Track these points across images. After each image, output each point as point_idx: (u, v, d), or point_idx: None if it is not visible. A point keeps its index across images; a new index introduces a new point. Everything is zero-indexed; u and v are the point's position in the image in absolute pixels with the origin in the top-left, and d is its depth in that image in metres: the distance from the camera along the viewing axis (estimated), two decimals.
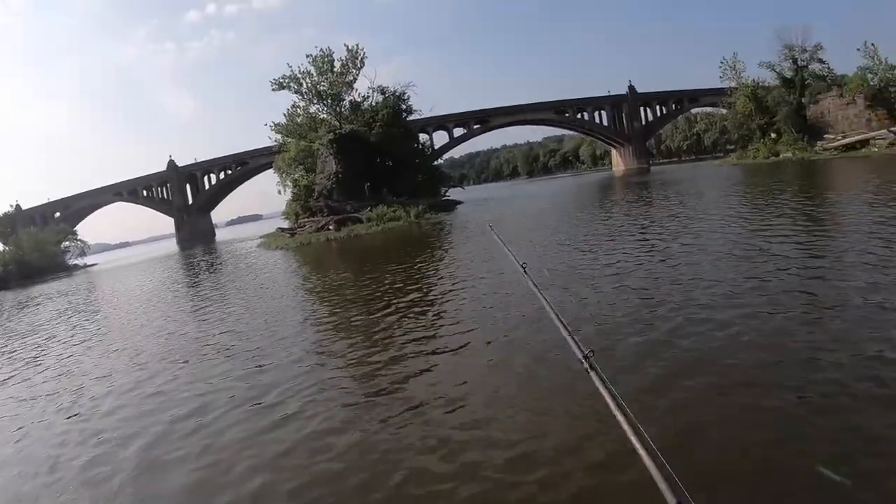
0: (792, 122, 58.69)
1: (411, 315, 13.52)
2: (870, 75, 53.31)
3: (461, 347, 9.89)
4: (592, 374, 2.44)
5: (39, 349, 18.14)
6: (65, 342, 18.55)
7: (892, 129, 45.63)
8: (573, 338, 2.67)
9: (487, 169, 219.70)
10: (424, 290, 16.84)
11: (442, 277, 19.27)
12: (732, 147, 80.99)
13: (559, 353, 7.83)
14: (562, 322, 3.05)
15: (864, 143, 47.36)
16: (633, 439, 1.98)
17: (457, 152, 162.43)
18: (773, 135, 62.19)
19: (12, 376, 14.47)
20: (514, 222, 35.40)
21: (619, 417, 2.15)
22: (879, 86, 52.32)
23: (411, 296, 16.07)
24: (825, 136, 54.04)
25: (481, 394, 7.66)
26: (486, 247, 25.19)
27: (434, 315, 13.46)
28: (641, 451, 1.92)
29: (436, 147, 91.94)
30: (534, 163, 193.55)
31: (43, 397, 11.60)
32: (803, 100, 59.14)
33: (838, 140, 50.85)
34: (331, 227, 49.09)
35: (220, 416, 8.30)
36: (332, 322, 14.53)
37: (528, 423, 6.38)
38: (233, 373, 10.64)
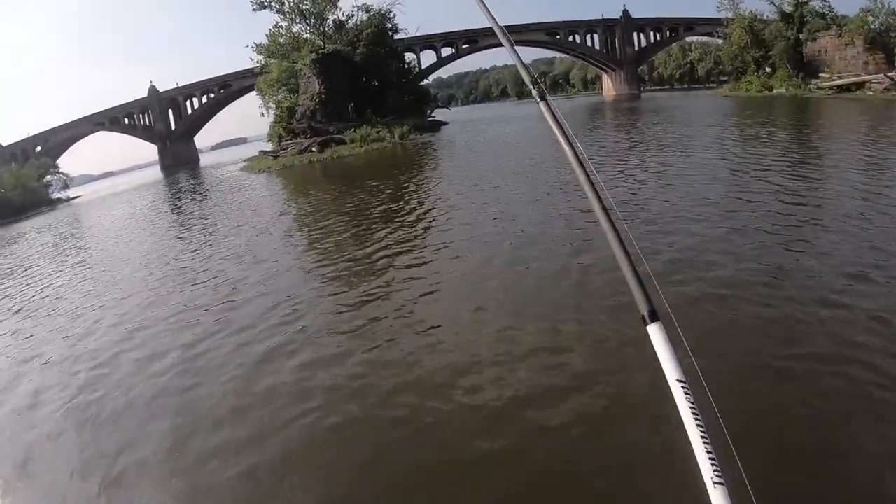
0: (788, 57, 57.03)
1: (392, 232, 13.59)
2: (871, 18, 51.43)
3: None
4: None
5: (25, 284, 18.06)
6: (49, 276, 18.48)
7: (889, 73, 44.30)
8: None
9: (476, 90, 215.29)
10: (404, 209, 16.78)
11: (424, 195, 19.26)
12: (726, 79, 79.06)
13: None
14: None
15: (860, 85, 45.84)
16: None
17: (445, 72, 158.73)
18: (767, 69, 60.59)
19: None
20: (500, 143, 34.92)
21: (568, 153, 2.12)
22: (880, 29, 50.60)
23: (391, 213, 16.09)
24: (820, 74, 52.45)
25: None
26: (467, 164, 25.07)
27: (415, 230, 13.53)
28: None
29: (423, 67, 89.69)
30: (523, 85, 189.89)
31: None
32: (801, 36, 57.19)
33: (833, 80, 49.36)
34: (314, 149, 48.34)
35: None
36: (313, 244, 14.56)
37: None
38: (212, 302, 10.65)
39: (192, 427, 6.06)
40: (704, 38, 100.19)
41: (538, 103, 2.39)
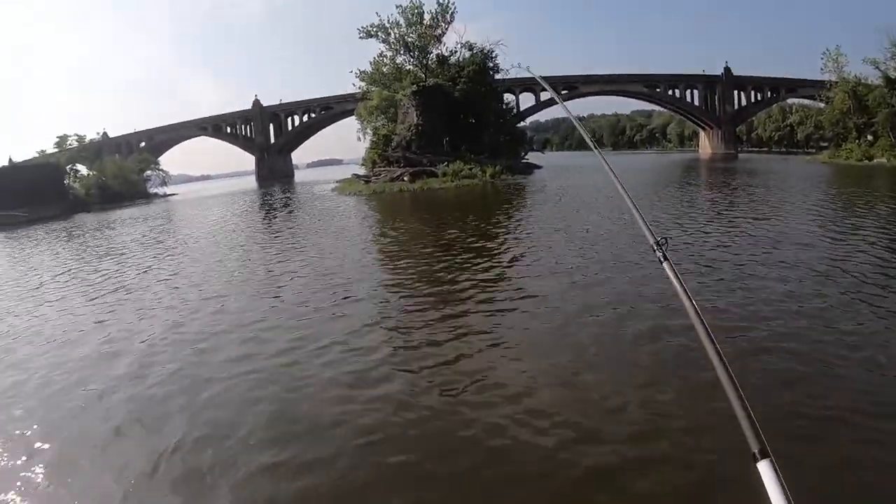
0: (891, 125, 54.15)
1: (479, 270, 13.36)
2: None
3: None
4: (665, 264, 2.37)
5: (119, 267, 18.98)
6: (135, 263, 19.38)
7: None
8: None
9: (572, 136, 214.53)
10: (489, 247, 16.57)
11: (508, 235, 19.04)
12: (826, 144, 75.92)
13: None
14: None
15: None
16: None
17: (542, 116, 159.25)
18: (869, 136, 57.81)
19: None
20: (592, 193, 34.25)
21: (687, 305, 2.03)
22: None
23: (478, 251, 15.86)
24: None
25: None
26: (559, 212, 24.68)
27: (500, 268, 13.29)
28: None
29: (521, 109, 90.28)
30: (620, 135, 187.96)
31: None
32: None
33: None
34: (405, 179, 49.00)
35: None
36: (400, 267, 14.54)
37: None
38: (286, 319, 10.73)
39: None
40: (806, 101, 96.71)
41: (661, 263, 2.42)
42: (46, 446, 6.20)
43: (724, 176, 42.39)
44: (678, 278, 2.20)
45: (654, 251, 2.44)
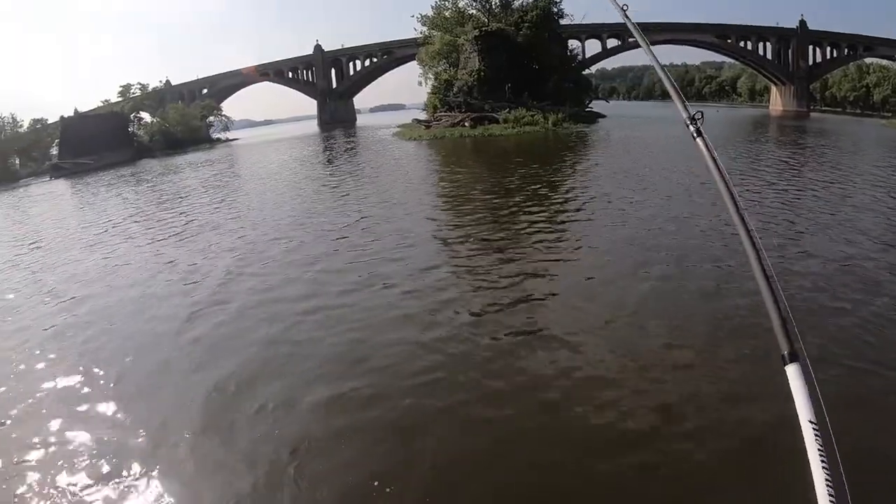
0: None
1: (537, 217, 13.51)
2: None
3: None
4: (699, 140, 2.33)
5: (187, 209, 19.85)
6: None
7: None
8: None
9: (639, 86, 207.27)
10: (548, 195, 16.56)
11: (567, 184, 18.98)
12: None
13: None
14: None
15: None
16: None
17: (609, 64, 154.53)
18: None
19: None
20: (658, 146, 33.41)
21: (719, 184, 2.05)
22: None
23: (538, 199, 15.93)
24: None
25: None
26: (619, 163, 24.30)
27: (558, 216, 13.33)
28: None
29: (586, 56, 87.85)
30: (688, 87, 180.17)
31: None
32: None
33: None
34: (466, 124, 48.73)
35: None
36: (460, 213, 14.76)
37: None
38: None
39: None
40: (885, 62, 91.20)
41: (694, 139, 2.38)
42: (133, 372, 6.82)
43: (794, 135, 40.61)
44: (712, 156, 2.20)
45: (688, 126, 2.38)
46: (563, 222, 13.13)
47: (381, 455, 4.85)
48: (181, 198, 23.17)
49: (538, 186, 18.29)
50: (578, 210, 14.57)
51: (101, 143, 61.30)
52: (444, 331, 7.24)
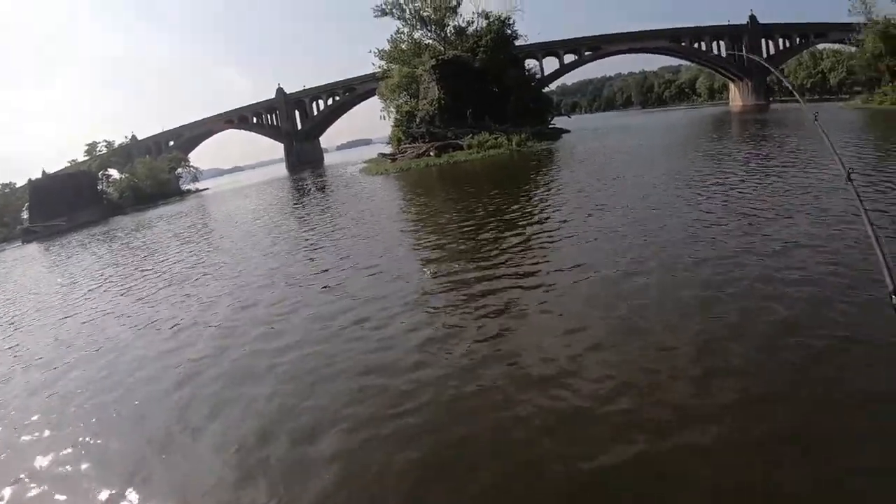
0: None
1: (504, 236, 13.47)
2: None
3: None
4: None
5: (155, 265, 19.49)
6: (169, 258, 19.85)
7: None
8: None
9: (600, 98, 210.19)
10: (515, 216, 16.45)
11: (535, 201, 18.95)
12: (859, 89, 73.22)
13: None
14: None
15: None
16: None
17: (568, 79, 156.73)
18: None
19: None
20: (621, 156, 33.72)
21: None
22: None
23: (502, 219, 15.86)
24: None
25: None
26: (584, 176, 24.33)
27: (530, 235, 13.27)
28: None
29: (545, 74, 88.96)
30: (648, 93, 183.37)
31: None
32: None
33: None
34: (431, 154, 48.80)
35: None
36: (433, 244, 14.60)
37: None
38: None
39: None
40: (837, 46, 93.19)
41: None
42: (128, 445, 6.44)
43: (754, 128, 41.06)
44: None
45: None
46: (533, 240, 13.02)
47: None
48: (155, 252, 22.87)
49: (506, 207, 18.29)
50: (549, 225, 14.56)
51: (71, 203, 61.09)
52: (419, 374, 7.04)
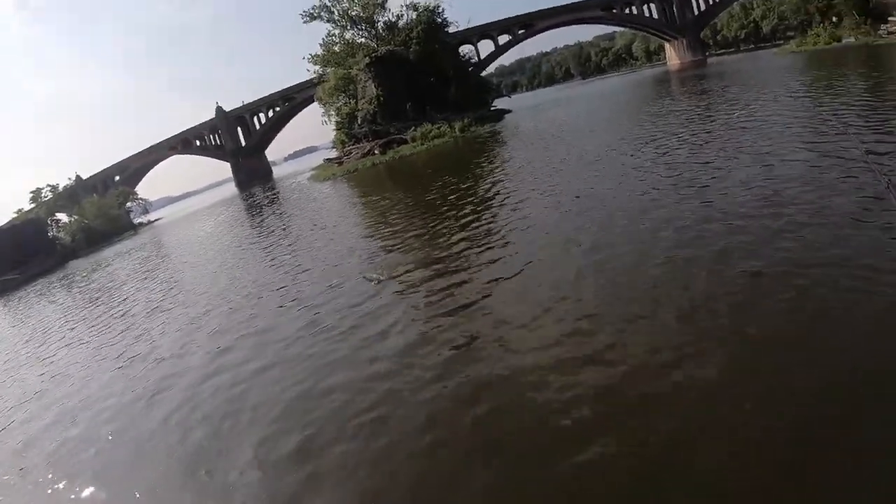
0: (853, 4, 53.23)
1: (458, 222, 13.78)
2: None
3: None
4: None
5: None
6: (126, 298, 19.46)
7: None
8: None
9: (540, 74, 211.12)
10: (465, 201, 16.53)
11: (485, 183, 19.21)
12: (792, 34, 75.02)
13: None
14: None
15: None
16: None
17: (506, 60, 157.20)
18: (833, 19, 57.02)
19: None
20: (561, 127, 34.03)
21: None
22: None
23: (454, 206, 16.08)
24: (889, 19, 48.38)
25: None
26: (529, 151, 24.52)
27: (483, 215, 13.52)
28: None
29: (482, 57, 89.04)
30: (586, 63, 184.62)
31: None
32: None
33: None
34: (376, 152, 48.54)
35: None
36: (391, 238, 14.68)
37: None
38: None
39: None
40: None
41: None
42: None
43: (693, 84, 41.69)
44: None
45: None
46: (491, 218, 13.34)
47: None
48: (115, 290, 22.26)
49: (456, 192, 18.48)
50: (501, 203, 14.83)
51: (22, 254, 58.95)
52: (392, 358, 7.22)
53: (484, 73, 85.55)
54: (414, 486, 4.76)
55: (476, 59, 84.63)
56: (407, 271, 10.91)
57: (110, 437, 7.61)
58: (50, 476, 7.03)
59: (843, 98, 17.08)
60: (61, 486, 6.69)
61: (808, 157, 10.59)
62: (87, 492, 6.39)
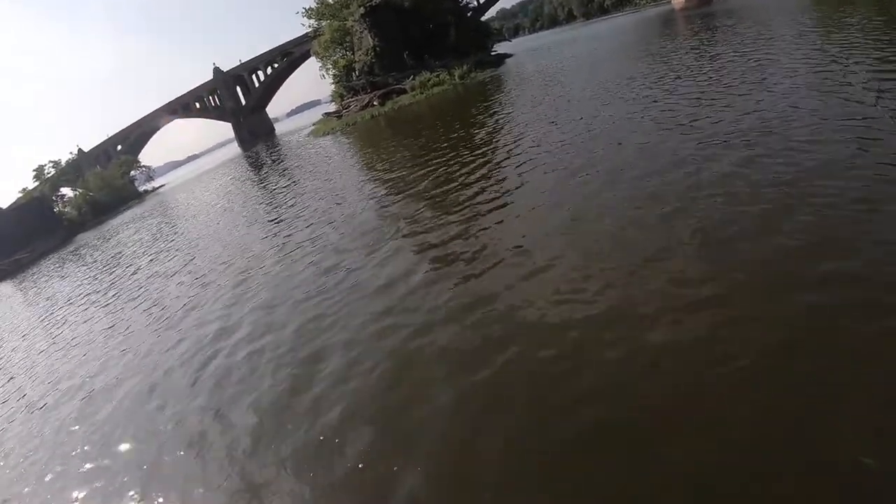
0: None
1: (462, 171, 13.70)
2: None
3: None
4: None
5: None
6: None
7: None
8: None
9: (542, 16, 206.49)
10: (473, 145, 16.42)
11: (487, 128, 18.98)
12: None
13: None
14: None
15: None
16: None
17: (507, 3, 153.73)
18: None
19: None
20: (561, 68, 33.33)
21: None
22: None
23: (449, 154, 15.96)
24: None
25: None
26: (532, 94, 24.09)
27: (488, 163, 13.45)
28: None
29: (481, 2, 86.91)
30: (589, 3, 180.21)
31: None
32: None
33: None
34: (375, 103, 47.90)
35: None
36: (396, 191, 15.06)
37: None
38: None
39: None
40: None
41: None
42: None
43: (700, 23, 40.31)
44: None
45: None
46: (500, 163, 13.11)
47: None
48: (127, 257, 22.53)
49: (459, 140, 18.20)
50: (502, 150, 14.51)
51: (30, 233, 59.17)
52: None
53: (485, 18, 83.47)
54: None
55: (476, 2, 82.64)
56: (420, 218, 10.91)
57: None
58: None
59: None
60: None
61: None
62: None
